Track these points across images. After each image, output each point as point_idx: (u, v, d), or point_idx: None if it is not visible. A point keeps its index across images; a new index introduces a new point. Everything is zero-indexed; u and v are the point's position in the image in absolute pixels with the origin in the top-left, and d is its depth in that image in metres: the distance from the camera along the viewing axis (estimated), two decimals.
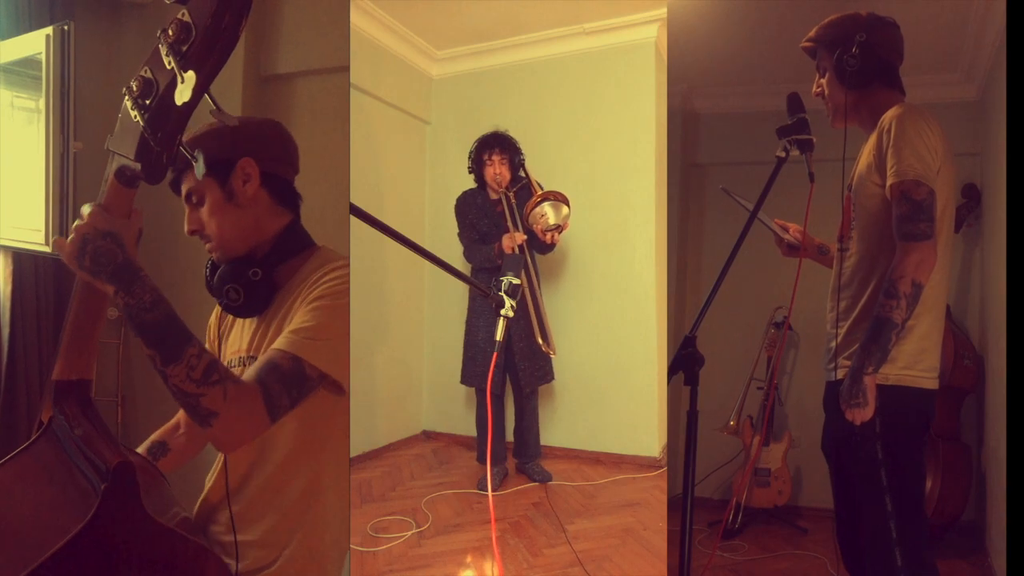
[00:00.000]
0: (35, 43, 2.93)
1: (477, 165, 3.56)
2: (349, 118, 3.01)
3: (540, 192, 3.43)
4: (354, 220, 1.38)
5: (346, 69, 2.98)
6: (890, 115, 1.97)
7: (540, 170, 3.62)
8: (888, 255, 1.94)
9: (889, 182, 1.94)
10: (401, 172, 4.16)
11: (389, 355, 4.04)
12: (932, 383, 2.00)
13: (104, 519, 1.17)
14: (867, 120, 2.10)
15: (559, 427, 3.90)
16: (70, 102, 2.88)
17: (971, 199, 3.72)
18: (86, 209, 1.26)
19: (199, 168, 1.18)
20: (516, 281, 1.60)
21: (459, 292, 3.84)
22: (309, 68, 3.07)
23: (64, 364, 1.38)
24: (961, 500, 3.56)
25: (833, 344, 2.08)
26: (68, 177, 2.90)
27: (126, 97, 1.18)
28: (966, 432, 3.71)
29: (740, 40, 3.52)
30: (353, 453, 3.62)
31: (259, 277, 1.53)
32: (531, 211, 3.40)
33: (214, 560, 1.32)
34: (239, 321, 1.66)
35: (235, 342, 1.65)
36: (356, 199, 3.26)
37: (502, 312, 1.57)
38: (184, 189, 1.57)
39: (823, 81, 2.15)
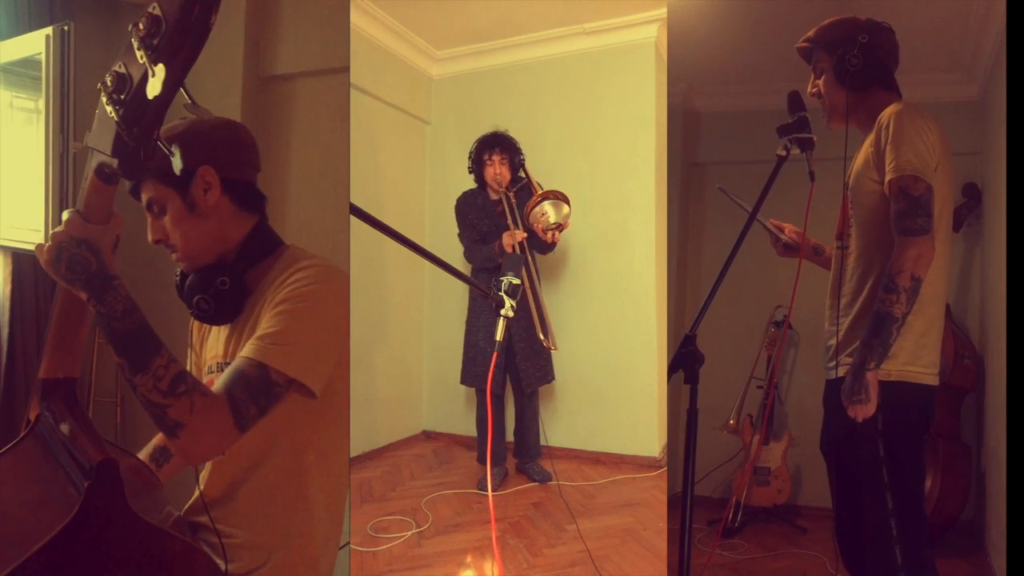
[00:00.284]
0: (35, 43, 2.94)
1: (477, 165, 3.56)
2: (349, 118, 3.00)
3: (540, 192, 3.43)
4: (354, 220, 1.38)
5: (346, 69, 2.98)
6: (888, 112, 1.97)
7: (540, 170, 3.62)
8: (887, 251, 1.95)
9: (887, 178, 1.94)
10: (401, 172, 4.16)
11: (389, 355, 4.04)
12: (933, 379, 2.00)
13: (88, 516, 1.16)
14: (864, 121, 2.10)
15: (559, 427, 3.89)
16: (70, 102, 2.88)
17: (971, 198, 3.72)
18: (66, 215, 1.25)
19: (176, 163, 1.17)
20: (516, 281, 1.59)
21: (459, 292, 3.84)
22: (309, 68, 3.07)
23: (50, 362, 1.39)
24: (961, 499, 3.56)
25: (833, 342, 2.08)
26: (67, 177, 2.91)
27: (101, 93, 1.16)
28: (966, 431, 3.71)
29: (740, 40, 3.52)
30: (353, 453, 3.62)
31: (227, 286, 1.50)
32: (532, 210, 3.40)
33: (203, 558, 1.31)
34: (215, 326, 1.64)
35: (212, 347, 1.64)
36: (356, 199, 3.26)
37: (502, 312, 1.56)
38: (144, 198, 1.52)
39: (819, 82, 2.15)
